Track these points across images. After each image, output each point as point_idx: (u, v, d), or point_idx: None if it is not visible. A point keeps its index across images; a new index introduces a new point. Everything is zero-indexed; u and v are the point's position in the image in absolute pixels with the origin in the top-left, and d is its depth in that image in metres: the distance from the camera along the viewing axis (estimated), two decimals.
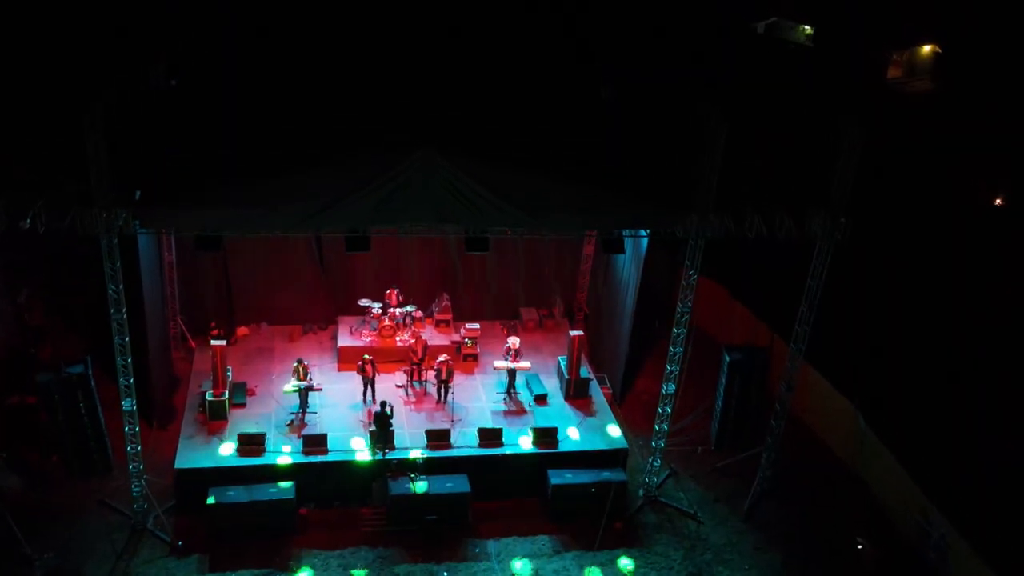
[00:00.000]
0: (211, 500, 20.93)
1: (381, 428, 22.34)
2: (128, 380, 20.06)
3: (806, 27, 49.89)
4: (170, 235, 24.28)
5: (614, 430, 24.36)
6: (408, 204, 19.17)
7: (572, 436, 23.78)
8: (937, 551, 21.39)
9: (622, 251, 21.93)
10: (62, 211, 17.70)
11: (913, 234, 29.45)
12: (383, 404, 22.52)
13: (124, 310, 19.32)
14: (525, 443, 23.37)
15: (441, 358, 24.57)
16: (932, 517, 21.53)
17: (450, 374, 24.46)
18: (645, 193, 20.10)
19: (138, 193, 18.72)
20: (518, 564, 21.45)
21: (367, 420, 23.42)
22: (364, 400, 24.37)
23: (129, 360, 19.86)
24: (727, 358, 22.62)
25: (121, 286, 19.09)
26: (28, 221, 17.56)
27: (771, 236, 20.05)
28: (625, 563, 21.56)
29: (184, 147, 19.36)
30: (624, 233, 21.70)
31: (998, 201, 36.71)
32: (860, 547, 22.12)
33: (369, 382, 24.26)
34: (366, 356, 24.38)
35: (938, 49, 48.95)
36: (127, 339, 19.65)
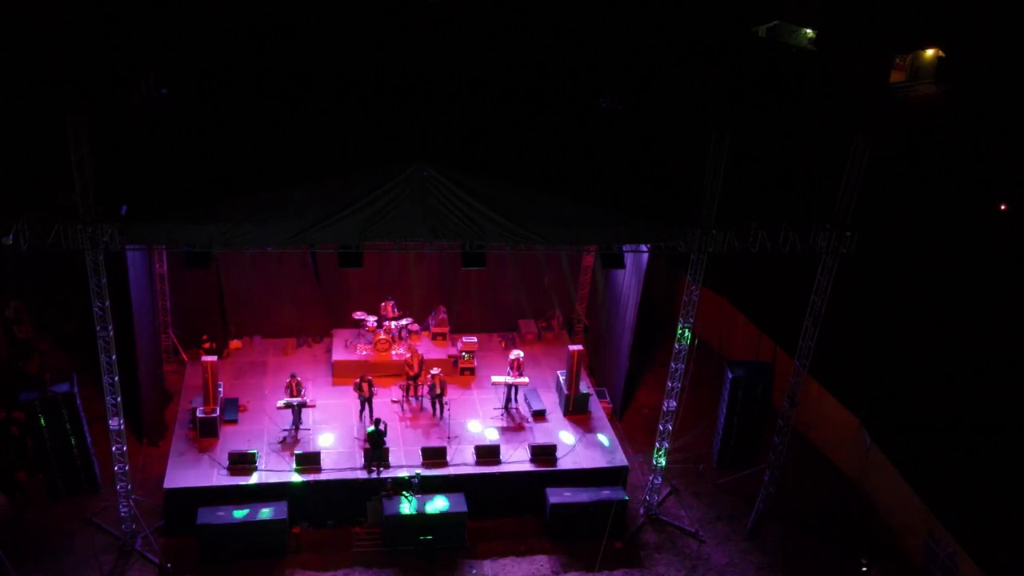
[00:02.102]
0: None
1: (375, 446, 21.85)
2: (115, 399, 19.56)
3: (808, 31, 49.54)
4: (157, 251, 23.74)
5: (614, 447, 23.89)
6: (401, 220, 18.69)
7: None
8: (944, 570, 20.93)
9: (622, 266, 21.46)
10: (46, 227, 17.20)
11: (918, 244, 29.01)
12: (377, 422, 22.03)
13: (111, 327, 18.81)
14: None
15: (433, 371, 24.09)
16: (939, 535, 21.07)
17: (443, 387, 23.97)
18: (646, 207, 19.66)
19: (124, 208, 18.21)
20: None
21: (362, 439, 22.90)
22: (360, 419, 23.85)
23: (116, 379, 19.37)
24: (730, 374, 22.13)
25: (108, 303, 18.59)
26: (11, 237, 17.05)
27: (775, 250, 19.61)
28: None
29: (172, 161, 18.89)
30: (624, 247, 21.20)
31: (1003, 207, 36.32)
32: (864, 568, 21.65)
33: (366, 401, 23.73)
34: (365, 376, 23.89)
35: (941, 53, 48.60)
36: (114, 357, 19.16)
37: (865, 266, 22.69)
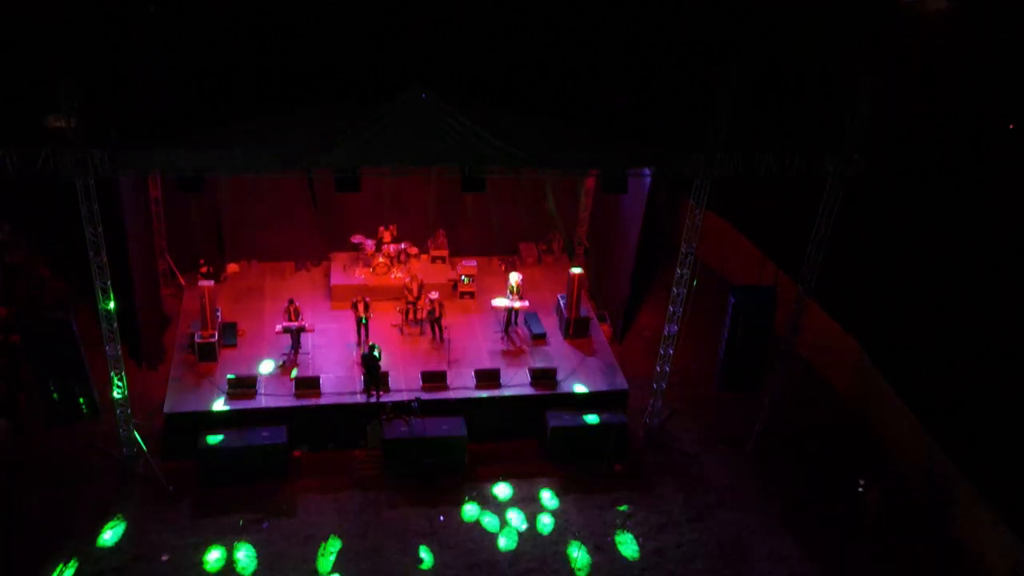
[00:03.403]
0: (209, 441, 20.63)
1: (369, 371, 21.76)
2: (112, 325, 19.40)
3: None
4: (149, 176, 23.29)
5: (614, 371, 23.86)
6: (400, 144, 18.21)
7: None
8: (941, 492, 21.07)
9: (624, 191, 21.03)
10: (34, 151, 16.77)
11: (925, 167, 28.48)
12: (372, 347, 21.88)
13: (104, 253, 18.51)
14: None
15: (432, 295, 23.89)
16: (937, 458, 21.16)
17: (442, 311, 23.81)
18: (651, 132, 19.21)
19: (114, 132, 17.74)
20: (516, 507, 21.12)
21: (359, 362, 22.84)
22: (358, 342, 23.75)
23: (112, 305, 19.16)
24: (732, 298, 21.90)
25: (100, 228, 18.25)
26: None
27: (781, 175, 19.22)
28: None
29: (165, 85, 18.37)
30: (627, 172, 20.75)
31: (1011, 126, 35.60)
32: (862, 489, 21.76)
33: (361, 321, 23.57)
34: (362, 296, 23.69)
35: None
36: (109, 283, 18.93)
37: (870, 190, 22.26)
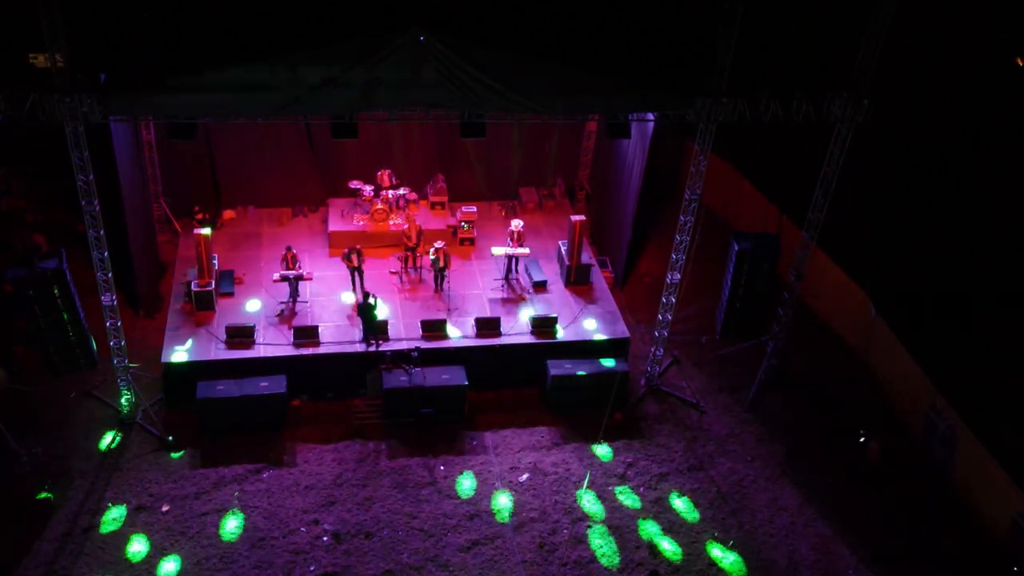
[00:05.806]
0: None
1: (366, 320, 21.51)
2: (106, 274, 19.08)
3: None
4: (140, 122, 22.78)
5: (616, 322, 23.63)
6: (397, 90, 17.69)
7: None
8: (943, 443, 20.98)
9: (627, 136, 20.58)
10: (21, 96, 16.26)
11: (934, 113, 27.89)
12: (366, 295, 21.58)
13: (96, 201, 18.13)
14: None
15: (437, 244, 23.50)
16: (940, 408, 21.03)
17: (447, 261, 23.47)
18: (653, 76, 18.68)
19: (103, 76, 17.23)
20: (516, 456, 21.05)
21: (354, 311, 22.57)
22: (353, 290, 23.46)
23: (106, 254, 18.83)
24: (736, 245, 21.59)
25: (91, 176, 17.81)
26: None
27: (787, 119, 18.75)
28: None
29: (156, 25, 17.78)
30: (630, 116, 20.27)
31: (1020, 62, 34.79)
32: (862, 440, 21.69)
33: (356, 271, 23.25)
34: (353, 247, 23.36)
35: None
36: (102, 232, 18.56)
37: (878, 135, 21.79)
